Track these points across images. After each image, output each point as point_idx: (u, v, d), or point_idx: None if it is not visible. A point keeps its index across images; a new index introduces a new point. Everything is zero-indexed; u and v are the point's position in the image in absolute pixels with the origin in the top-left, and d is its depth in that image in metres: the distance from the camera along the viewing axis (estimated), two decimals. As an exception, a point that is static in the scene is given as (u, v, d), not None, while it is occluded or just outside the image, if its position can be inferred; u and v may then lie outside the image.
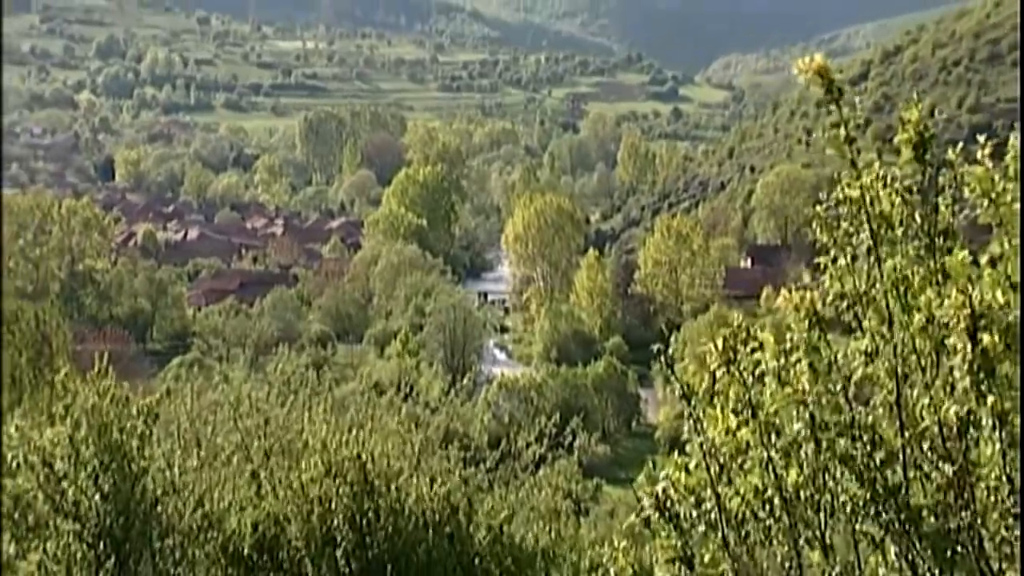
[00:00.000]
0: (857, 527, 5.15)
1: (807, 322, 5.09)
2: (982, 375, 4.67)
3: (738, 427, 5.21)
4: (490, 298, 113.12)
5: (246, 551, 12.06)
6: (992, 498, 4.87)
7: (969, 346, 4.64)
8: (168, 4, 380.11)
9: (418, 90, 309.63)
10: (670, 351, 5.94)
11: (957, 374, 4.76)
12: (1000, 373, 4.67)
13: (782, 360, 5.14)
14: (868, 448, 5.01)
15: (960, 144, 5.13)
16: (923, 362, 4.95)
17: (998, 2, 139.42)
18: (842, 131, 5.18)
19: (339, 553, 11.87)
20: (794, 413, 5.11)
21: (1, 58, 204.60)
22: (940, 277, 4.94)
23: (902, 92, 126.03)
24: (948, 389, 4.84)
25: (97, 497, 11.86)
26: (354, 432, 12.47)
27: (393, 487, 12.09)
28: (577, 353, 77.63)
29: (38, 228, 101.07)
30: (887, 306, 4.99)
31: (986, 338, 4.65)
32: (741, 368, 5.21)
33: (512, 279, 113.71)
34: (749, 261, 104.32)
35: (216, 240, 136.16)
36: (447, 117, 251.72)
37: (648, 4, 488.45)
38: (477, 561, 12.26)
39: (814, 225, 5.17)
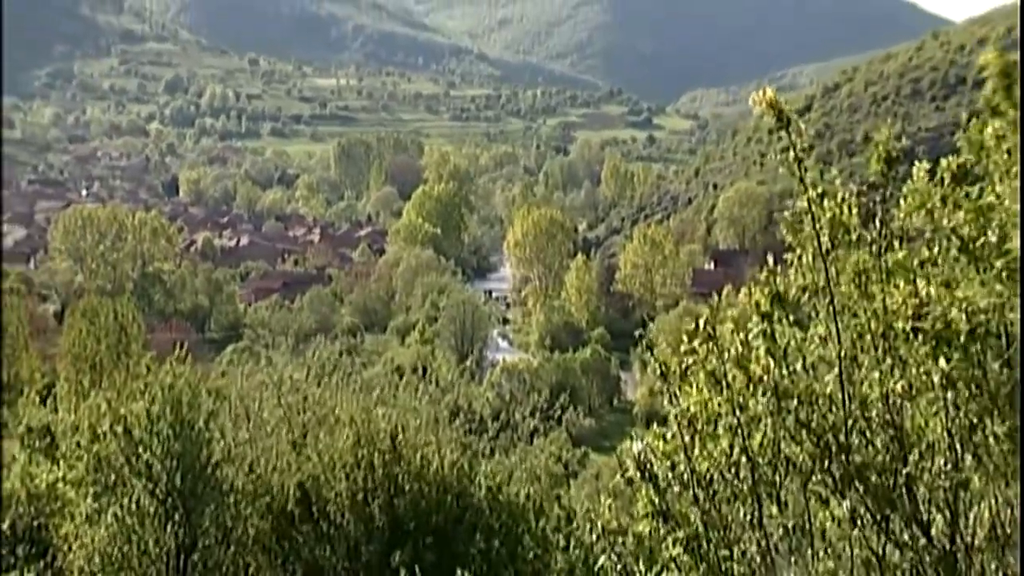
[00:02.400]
0: (809, 486, 5.15)
1: (770, 309, 5.09)
2: (939, 343, 4.68)
3: (709, 399, 5.20)
4: (494, 295, 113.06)
5: (290, 507, 12.04)
6: (925, 458, 4.87)
7: (932, 322, 4.65)
8: (224, 48, 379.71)
9: (433, 120, 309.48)
10: (644, 341, 5.92)
11: (909, 349, 4.76)
12: (952, 347, 4.69)
13: (742, 348, 5.14)
14: (821, 414, 5.01)
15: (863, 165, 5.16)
16: (875, 342, 4.94)
17: (919, 47, 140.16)
18: (792, 154, 5.18)
19: (372, 510, 11.82)
20: (757, 388, 5.10)
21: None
22: (889, 272, 4.95)
23: (840, 122, 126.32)
24: (893, 366, 4.84)
25: (168, 460, 11.87)
26: (382, 407, 12.44)
27: (419, 455, 12.05)
28: (568, 341, 77.70)
29: (115, 236, 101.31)
30: (846, 297, 5.00)
31: (939, 326, 4.66)
32: (717, 345, 5.21)
33: (512, 279, 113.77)
34: (712, 263, 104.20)
35: (263, 246, 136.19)
36: (458, 142, 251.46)
37: (627, 47, 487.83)
38: (480, 517, 12.23)
39: (782, 227, 5.18)
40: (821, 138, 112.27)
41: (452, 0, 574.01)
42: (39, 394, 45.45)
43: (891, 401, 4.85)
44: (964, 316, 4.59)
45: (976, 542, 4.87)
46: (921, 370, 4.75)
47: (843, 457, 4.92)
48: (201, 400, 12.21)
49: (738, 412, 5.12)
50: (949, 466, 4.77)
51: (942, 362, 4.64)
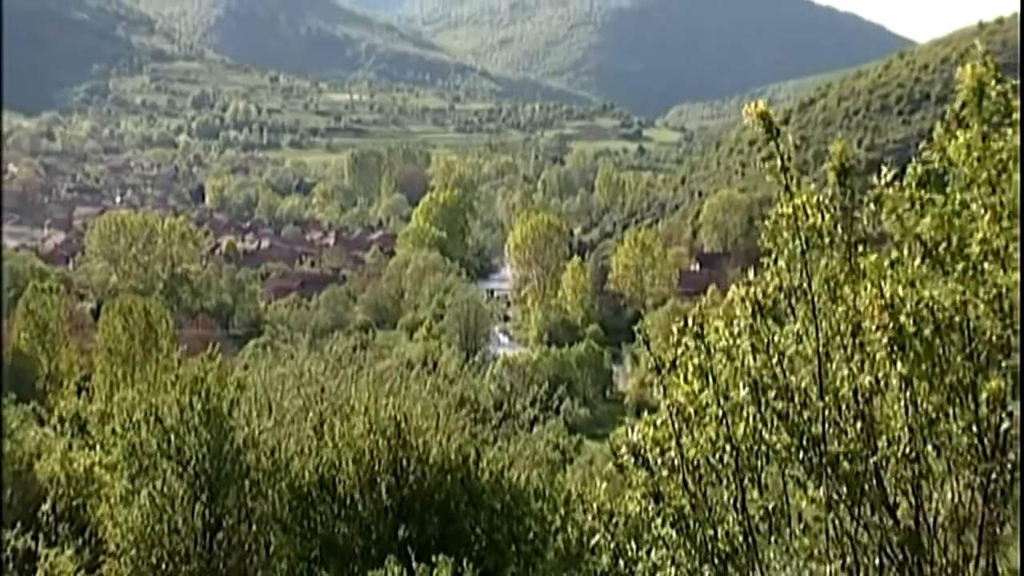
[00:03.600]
0: (787, 471, 5.14)
1: (751, 309, 5.07)
2: (895, 347, 4.66)
3: (698, 391, 5.18)
4: (495, 294, 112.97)
5: (308, 488, 12.04)
6: (892, 447, 4.86)
7: (890, 324, 4.62)
8: (247, 66, 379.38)
9: (440, 132, 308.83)
10: (639, 335, 5.89)
11: (875, 347, 4.75)
12: (908, 348, 4.67)
13: (731, 340, 5.13)
14: (798, 407, 5.00)
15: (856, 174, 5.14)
16: (844, 341, 4.93)
17: (887, 65, 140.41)
18: (778, 162, 5.16)
19: (379, 491, 11.81)
20: (740, 381, 5.09)
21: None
22: (858, 275, 4.92)
23: (815, 134, 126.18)
24: (862, 362, 4.83)
25: (196, 445, 11.87)
26: (391, 398, 12.43)
27: (421, 441, 12.05)
28: (564, 337, 77.61)
29: (147, 240, 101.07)
30: (816, 298, 4.98)
31: (902, 318, 4.63)
32: (705, 342, 5.20)
33: (513, 279, 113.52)
34: (697, 265, 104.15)
35: (283, 249, 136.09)
36: (462, 153, 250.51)
37: (619, 65, 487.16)
38: (482, 498, 12.21)
39: (762, 234, 5.14)
40: (798, 149, 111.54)
41: (457, 22, 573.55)
42: (77, 385, 45.46)
43: (860, 395, 4.84)
44: (930, 314, 4.59)
45: (938, 522, 4.87)
46: (882, 371, 4.74)
47: (817, 447, 4.92)
48: (226, 391, 12.21)
49: (722, 402, 5.12)
50: (913, 455, 4.77)
51: (899, 365, 4.62)
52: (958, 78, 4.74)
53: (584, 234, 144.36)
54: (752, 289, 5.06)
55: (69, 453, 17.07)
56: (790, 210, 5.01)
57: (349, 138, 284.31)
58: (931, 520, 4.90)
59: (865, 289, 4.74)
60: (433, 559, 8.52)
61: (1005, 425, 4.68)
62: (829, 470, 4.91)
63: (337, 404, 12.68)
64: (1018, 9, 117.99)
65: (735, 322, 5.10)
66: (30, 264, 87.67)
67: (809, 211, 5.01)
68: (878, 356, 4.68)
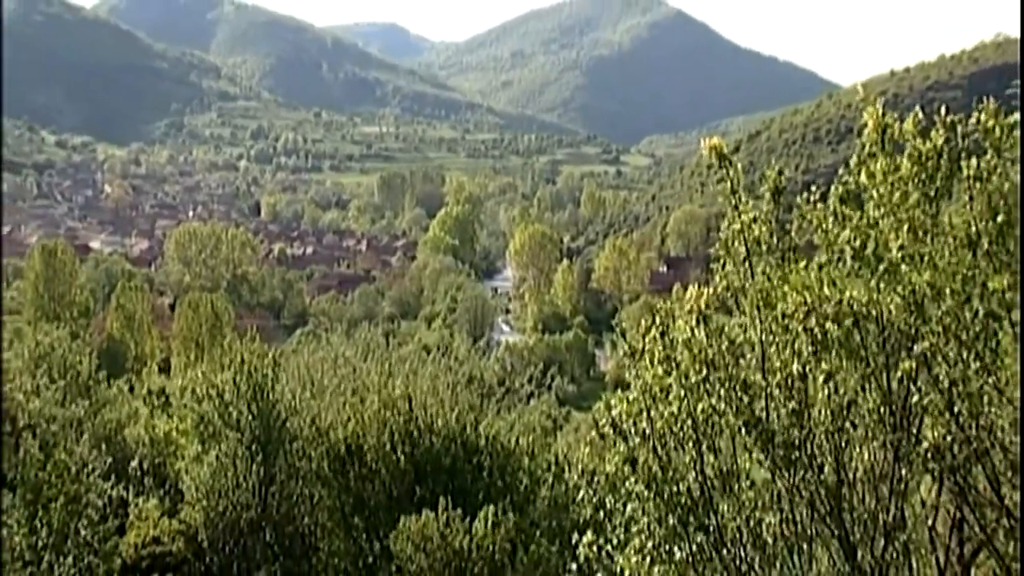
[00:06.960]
0: (737, 440, 5.15)
1: (702, 310, 5.07)
2: (818, 347, 4.66)
3: (663, 375, 5.18)
4: (499, 291, 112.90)
5: (341, 453, 12.03)
6: (818, 424, 4.88)
7: (815, 328, 4.63)
8: (295, 104, 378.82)
9: (453, 158, 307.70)
10: (616, 329, 5.89)
11: (801, 344, 4.75)
12: (831, 345, 4.68)
13: (689, 334, 5.13)
14: (741, 392, 5.00)
15: (800, 193, 5.14)
16: (777, 338, 4.94)
17: (819, 104, 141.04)
18: (729, 185, 5.17)
19: (397, 457, 11.79)
20: (697, 367, 5.08)
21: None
22: (787, 281, 4.94)
23: (761, 160, 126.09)
24: (793, 355, 4.84)
25: (248, 416, 11.86)
26: (403, 378, 12.43)
27: (428, 414, 12.04)
28: (555, 326, 77.64)
29: (213, 247, 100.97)
30: (756, 297, 4.97)
31: (828, 324, 4.65)
32: (669, 338, 5.20)
33: (513, 279, 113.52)
34: (665, 267, 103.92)
35: (324, 254, 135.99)
36: (471, 175, 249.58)
37: (600, 103, 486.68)
38: (483, 460, 12.19)
39: (716, 244, 5.16)
40: (747, 173, 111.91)
41: (467, 68, 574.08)
42: (158, 365, 45.47)
43: (791, 381, 4.86)
44: (850, 309, 4.59)
45: (857, 478, 4.89)
46: (808, 365, 4.75)
47: (759, 423, 4.92)
48: (269, 369, 12.21)
49: (684, 382, 5.11)
50: (835, 429, 4.79)
51: (823, 363, 4.64)
52: (863, 123, 4.78)
53: (572, 241, 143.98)
54: (703, 294, 5.06)
55: (152, 420, 17.09)
56: (738, 226, 5.01)
57: (379, 163, 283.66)
58: (851, 476, 4.92)
59: (793, 294, 4.75)
60: (443, 511, 8.48)
61: (915, 399, 4.69)
62: (769, 440, 4.91)
63: (365, 382, 12.67)
64: (915, 62, 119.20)
65: (693, 319, 5.10)
66: (120, 267, 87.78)
67: (753, 225, 5.02)
68: (804, 352, 4.71)
